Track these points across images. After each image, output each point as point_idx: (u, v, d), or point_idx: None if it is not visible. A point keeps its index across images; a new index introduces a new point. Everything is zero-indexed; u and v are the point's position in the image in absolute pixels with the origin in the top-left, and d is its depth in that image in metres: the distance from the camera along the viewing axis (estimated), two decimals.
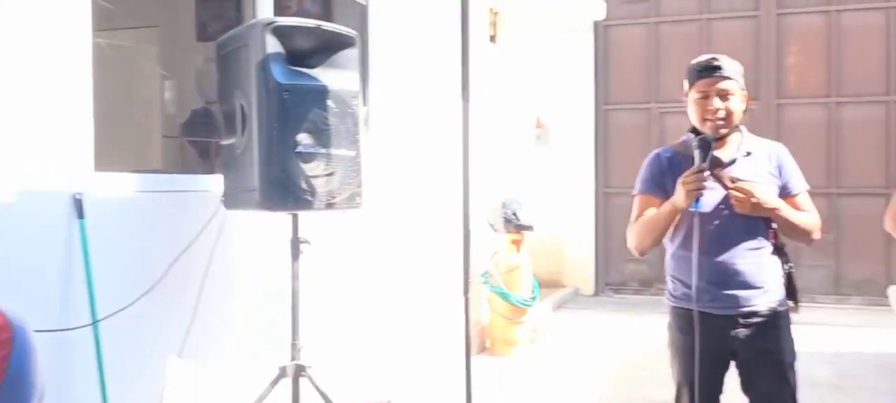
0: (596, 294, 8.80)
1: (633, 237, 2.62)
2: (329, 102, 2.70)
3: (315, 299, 3.39)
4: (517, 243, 5.79)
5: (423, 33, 5.12)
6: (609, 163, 8.94)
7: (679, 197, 2.39)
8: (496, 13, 6.69)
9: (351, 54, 2.82)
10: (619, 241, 9.08)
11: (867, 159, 8.01)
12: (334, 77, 2.74)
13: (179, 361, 2.88)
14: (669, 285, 2.63)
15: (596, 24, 8.66)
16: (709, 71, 2.46)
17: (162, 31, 5.33)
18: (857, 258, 7.96)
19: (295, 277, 2.83)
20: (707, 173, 2.36)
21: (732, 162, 2.49)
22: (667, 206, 2.48)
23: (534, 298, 5.77)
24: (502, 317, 5.67)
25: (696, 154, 2.39)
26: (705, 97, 2.46)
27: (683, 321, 2.53)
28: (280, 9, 3.68)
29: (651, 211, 2.56)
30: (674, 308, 2.61)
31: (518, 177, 7.77)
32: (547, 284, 8.49)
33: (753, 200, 2.38)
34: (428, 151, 5.16)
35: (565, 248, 8.86)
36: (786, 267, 2.55)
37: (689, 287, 2.48)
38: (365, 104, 4.14)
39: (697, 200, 2.36)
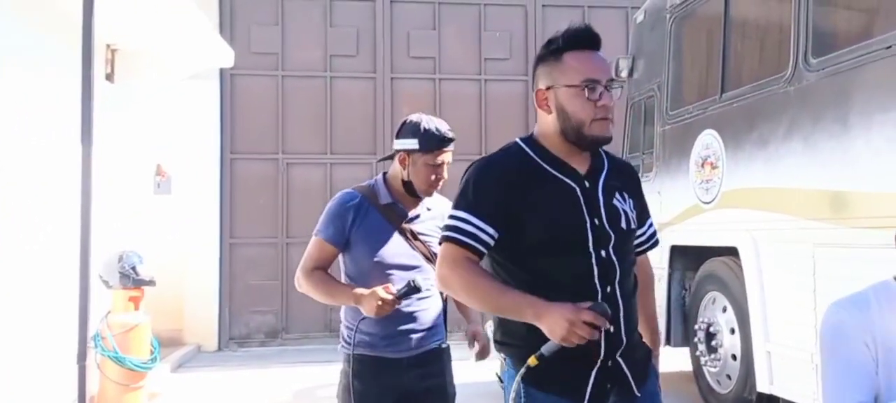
0: (220, 349, 8.48)
1: (307, 287, 2.62)
2: None
3: None
4: (135, 300, 5.29)
5: (27, 61, 4.46)
6: (235, 213, 8.77)
7: (366, 308, 2.45)
8: (114, 50, 6.14)
9: None
10: (244, 293, 9.03)
11: None
12: None
13: None
14: (344, 333, 2.65)
15: (222, 71, 8.50)
16: (446, 142, 2.59)
17: None
18: None
19: None
20: (401, 301, 2.46)
21: (417, 216, 2.64)
22: (348, 298, 2.52)
23: (153, 360, 5.31)
24: (116, 384, 5.11)
25: (402, 289, 2.45)
26: (437, 166, 2.58)
27: (362, 366, 2.59)
28: None
29: (328, 280, 2.60)
30: (351, 355, 2.61)
31: (135, 228, 7.17)
32: (166, 343, 7.90)
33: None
34: (31, 198, 4.47)
35: (186, 303, 8.40)
36: (445, 307, 2.74)
37: (366, 333, 2.56)
38: None
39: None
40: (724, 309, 4.96)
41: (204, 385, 6.78)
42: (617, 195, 1.92)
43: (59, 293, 4.62)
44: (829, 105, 3.79)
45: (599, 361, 1.82)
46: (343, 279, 2.65)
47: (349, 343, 2.60)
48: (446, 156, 2.61)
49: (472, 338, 2.77)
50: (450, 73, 9.22)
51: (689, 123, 5.24)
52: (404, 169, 2.61)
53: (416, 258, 2.61)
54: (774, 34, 4.53)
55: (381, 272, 2.55)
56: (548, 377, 1.79)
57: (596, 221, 1.85)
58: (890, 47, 3.40)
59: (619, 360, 1.86)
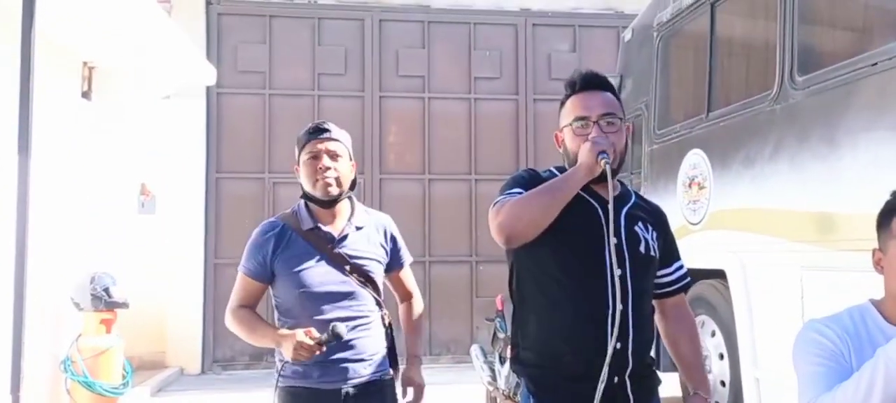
0: (203, 372, 8.31)
1: (233, 327, 2.47)
2: None
3: None
4: (108, 322, 5.15)
5: None
6: (220, 233, 8.64)
7: (286, 351, 2.30)
8: (92, 68, 6.04)
9: None
10: None
11: (455, 230, 8.99)
12: None
13: None
14: (278, 365, 2.47)
15: (208, 90, 8.41)
16: (318, 132, 2.46)
17: None
18: (446, 320, 8.80)
19: None
20: (323, 348, 2.30)
21: (344, 237, 2.46)
22: (270, 339, 2.36)
23: (125, 384, 5.17)
24: None
25: (324, 337, 2.29)
26: (315, 157, 2.44)
27: (294, 399, 2.44)
28: None
29: (252, 319, 2.45)
30: (282, 388, 2.45)
31: (118, 248, 7.05)
32: (148, 366, 7.78)
33: None
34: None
35: (170, 325, 8.24)
36: (389, 334, 2.59)
37: (298, 363, 2.38)
38: None
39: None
40: (713, 334, 4.83)
41: None
42: (639, 223, 2.06)
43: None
44: (815, 124, 3.68)
45: (605, 378, 1.89)
46: (274, 310, 2.50)
47: (282, 376, 2.42)
48: (326, 145, 2.45)
49: (406, 385, 2.60)
50: (439, 92, 9.13)
51: (677, 143, 5.13)
52: (300, 180, 2.51)
53: (346, 283, 2.43)
54: (760, 52, 4.43)
55: (310, 302, 2.38)
56: (557, 393, 1.92)
57: (614, 240, 1.94)
58: (876, 65, 3.30)
59: (626, 381, 1.96)
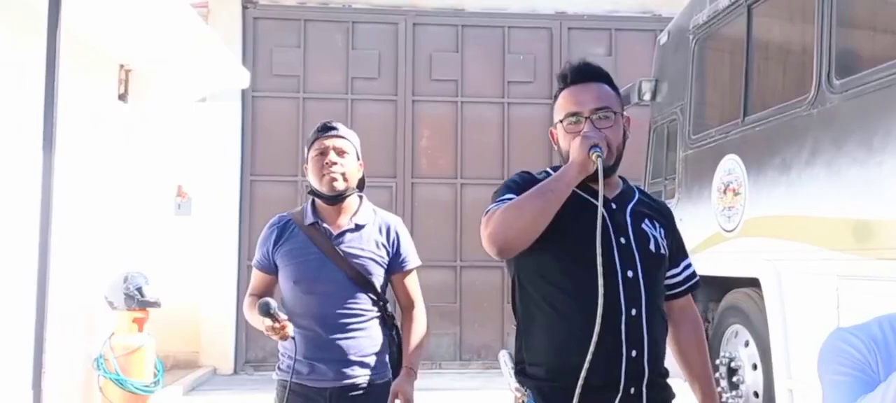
0: (236, 372, 8.40)
1: (246, 315, 2.52)
2: None
3: None
4: (140, 321, 5.22)
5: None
6: (254, 235, 8.67)
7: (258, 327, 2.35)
8: (128, 71, 6.14)
9: None
10: None
11: None
12: None
13: None
14: (280, 359, 2.54)
15: (243, 93, 8.51)
16: (325, 130, 2.51)
17: None
18: (477, 325, 8.75)
19: None
20: (278, 325, 2.32)
21: (342, 234, 2.49)
22: (259, 322, 2.38)
23: (156, 382, 5.23)
24: None
25: (259, 313, 2.31)
26: (322, 153, 2.47)
27: (288, 393, 2.48)
28: None
29: (251, 303, 2.48)
30: (278, 381, 2.53)
31: (154, 249, 7.16)
32: (182, 365, 7.90)
33: None
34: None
35: (203, 325, 8.35)
36: (393, 336, 2.58)
37: (290, 358, 2.46)
38: None
39: None
40: (747, 344, 4.71)
41: None
42: (646, 221, 1.93)
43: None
44: (853, 128, 3.57)
45: (621, 390, 1.81)
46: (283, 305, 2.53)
47: (280, 369, 2.51)
48: (333, 142, 2.48)
49: (393, 397, 2.48)
50: (472, 96, 9.10)
51: (712, 148, 5.03)
52: (308, 178, 2.55)
53: (341, 280, 2.45)
54: (797, 55, 4.32)
55: (304, 295, 2.42)
56: None
57: (622, 240, 1.85)
58: None
59: (643, 391, 1.84)
